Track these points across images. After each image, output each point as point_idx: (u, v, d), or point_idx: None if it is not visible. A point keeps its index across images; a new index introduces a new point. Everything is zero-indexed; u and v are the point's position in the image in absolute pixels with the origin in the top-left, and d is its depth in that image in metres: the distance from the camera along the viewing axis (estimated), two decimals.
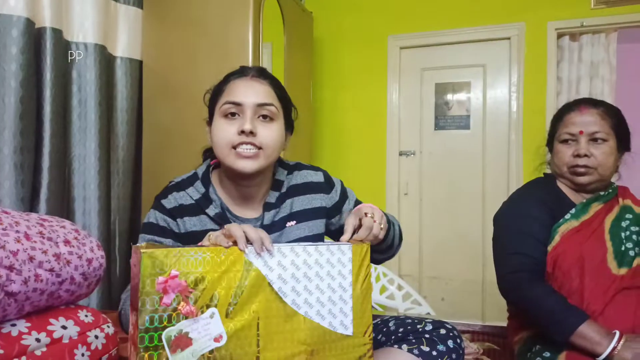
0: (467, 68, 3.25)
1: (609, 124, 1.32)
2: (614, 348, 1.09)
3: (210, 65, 2.21)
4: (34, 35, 1.77)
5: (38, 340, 1.16)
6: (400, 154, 3.35)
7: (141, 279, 0.72)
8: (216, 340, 0.77)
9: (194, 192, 1.06)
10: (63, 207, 1.97)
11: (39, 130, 1.81)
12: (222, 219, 1.04)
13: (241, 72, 1.07)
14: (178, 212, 1.04)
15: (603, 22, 2.94)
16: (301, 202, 1.12)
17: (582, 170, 1.32)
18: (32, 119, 1.77)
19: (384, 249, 1.08)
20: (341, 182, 1.22)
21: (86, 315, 1.34)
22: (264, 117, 1.02)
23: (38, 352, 1.14)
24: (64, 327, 1.24)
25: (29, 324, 1.18)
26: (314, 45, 3.31)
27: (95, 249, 1.40)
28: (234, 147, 0.99)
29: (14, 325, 1.14)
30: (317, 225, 1.13)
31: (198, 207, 1.05)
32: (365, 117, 3.38)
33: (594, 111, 1.33)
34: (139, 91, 2.34)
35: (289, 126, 1.12)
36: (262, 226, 1.07)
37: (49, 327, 1.21)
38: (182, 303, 0.75)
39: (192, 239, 1.03)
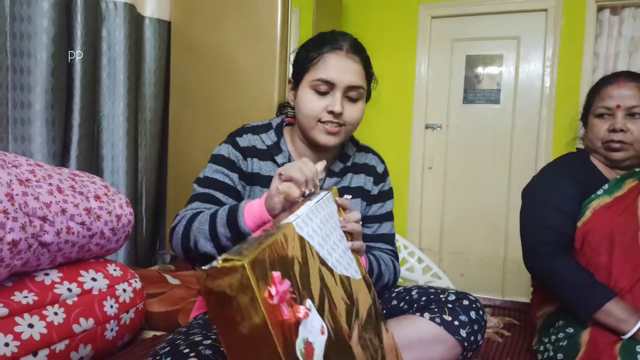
0: (500, 40, 3.15)
1: None
2: None
3: (239, 30, 2.19)
4: None
5: (70, 290, 1.20)
6: (427, 126, 3.30)
7: (258, 301, 0.53)
8: (322, 333, 0.65)
9: (267, 139, 1.11)
10: (92, 164, 2.01)
11: (69, 88, 1.84)
12: None
13: (336, 43, 1.04)
14: (250, 152, 1.09)
15: None
16: (357, 180, 1.16)
17: (617, 145, 1.28)
18: (63, 76, 1.79)
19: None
20: (392, 189, 1.23)
21: (115, 269, 1.38)
22: (351, 96, 1.04)
23: (69, 302, 1.18)
24: (94, 279, 1.28)
25: (61, 274, 1.22)
26: (343, 11, 3.24)
27: (125, 206, 1.43)
28: (321, 121, 1.03)
29: (47, 274, 1.19)
30: (362, 205, 1.16)
31: (268, 153, 1.09)
32: (392, 88, 3.32)
33: (633, 85, 1.28)
34: (167, 53, 2.34)
35: (368, 96, 1.14)
36: (321, 189, 1.09)
37: (80, 279, 1.25)
38: (293, 307, 0.59)
39: (257, 180, 1.08)
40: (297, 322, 0.59)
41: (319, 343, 0.63)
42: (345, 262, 0.84)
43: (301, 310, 0.60)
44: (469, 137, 3.23)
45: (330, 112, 1.02)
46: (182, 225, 0.95)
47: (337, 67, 1.02)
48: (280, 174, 0.85)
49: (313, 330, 0.62)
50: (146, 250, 2.32)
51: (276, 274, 0.57)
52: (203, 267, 0.54)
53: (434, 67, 3.28)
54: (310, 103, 1.03)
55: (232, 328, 0.55)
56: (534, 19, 3.07)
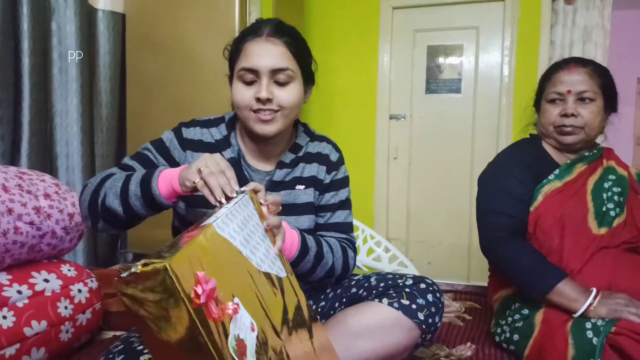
0: (460, 30, 3.19)
1: (597, 83, 1.30)
2: (590, 304, 1.11)
3: (196, 21, 2.14)
4: None
5: (20, 292, 1.16)
6: (391, 117, 3.33)
7: (184, 302, 0.52)
8: (252, 330, 0.65)
9: (216, 133, 1.10)
10: (46, 163, 1.94)
11: (17, 83, 1.76)
12: (236, 165, 1.07)
13: (256, 30, 1.03)
14: (194, 145, 1.08)
15: None
16: (310, 169, 1.15)
17: (568, 129, 1.31)
18: (10, 71, 1.72)
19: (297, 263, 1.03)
20: (347, 178, 1.21)
21: (69, 270, 1.34)
22: (279, 80, 1.03)
23: (20, 304, 1.14)
24: (46, 280, 1.24)
25: (10, 277, 1.17)
26: (305, 4, 3.22)
27: (77, 204, 1.38)
28: (253, 111, 1.02)
29: None
30: (315, 194, 1.15)
31: (216, 147, 1.08)
32: (356, 79, 3.32)
33: (583, 70, 1.31)
34: (122, 46, 2.27)
35: (309, 79, 1.12)
36: (272, 181, 1.10)
37: (31, 280, 1.21)
38: (221, 305, 0.58)
39: None
40: (228, 319, 0.58)
41: (251, 340, 0.63)
42: (269, 261, 0.84)
43: (230, 307, 0.59)
44: (432, 126, 3.27)
45: (258, 100, 1.01)
46: (96, 180, 0.97)
47: (257, 53, 1.01)
48: (200, 170, 0.83)
49: (243, 327, 0.62)
50: (106, 249, 2.27)
51: (201, 274, 0.56)
52: (121, 275, 0.52)
53: (396, 58, 3.30)
54: (239, 94, 1.03)
55: (157, 334, 0.53)
56: (492, 8, 3.12)
